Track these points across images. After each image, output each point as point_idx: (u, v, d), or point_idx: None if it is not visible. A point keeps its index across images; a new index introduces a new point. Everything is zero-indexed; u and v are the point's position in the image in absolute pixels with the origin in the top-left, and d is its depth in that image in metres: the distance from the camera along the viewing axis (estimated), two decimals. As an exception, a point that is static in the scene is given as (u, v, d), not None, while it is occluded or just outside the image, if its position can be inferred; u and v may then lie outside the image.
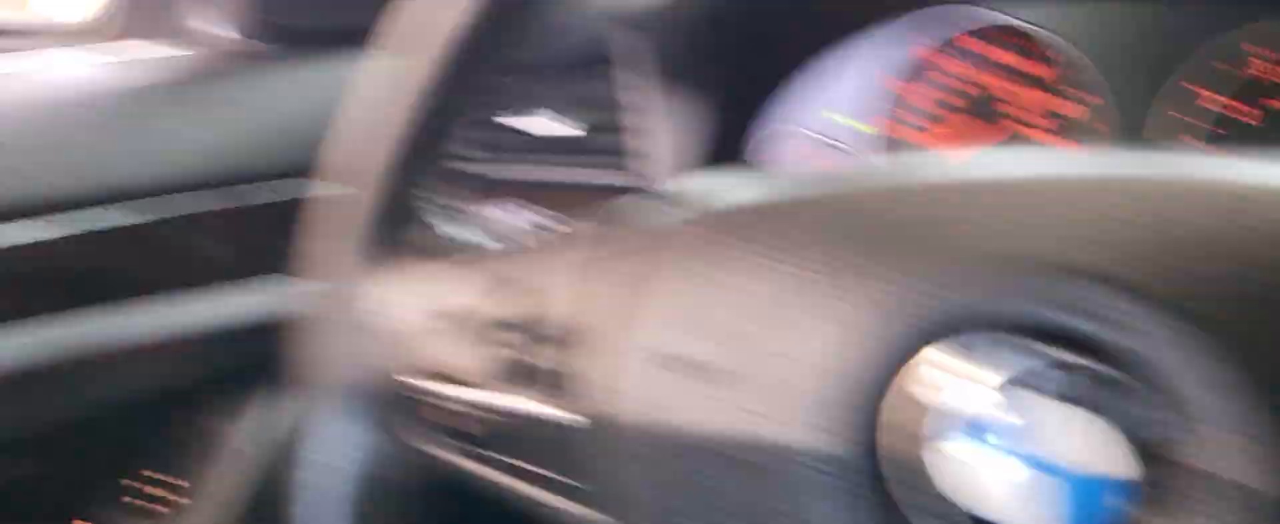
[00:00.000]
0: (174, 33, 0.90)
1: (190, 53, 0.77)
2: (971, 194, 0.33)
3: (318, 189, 0.72)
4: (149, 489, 0.74)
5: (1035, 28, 0.64)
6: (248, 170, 0.72)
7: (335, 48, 0.76)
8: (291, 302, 0.70)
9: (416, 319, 0.46)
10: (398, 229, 0.49)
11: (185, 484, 0.74)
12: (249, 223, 0.73)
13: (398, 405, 0.47)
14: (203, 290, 0.70)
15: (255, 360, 0.74)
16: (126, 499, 0.74)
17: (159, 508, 0.74)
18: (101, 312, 0.66)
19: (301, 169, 0.71)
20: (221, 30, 0.85)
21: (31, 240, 0.62)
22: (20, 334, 0.63)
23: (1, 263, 0.62)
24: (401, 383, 0.46)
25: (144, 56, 0.77)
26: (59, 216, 0.64)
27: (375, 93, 0.74)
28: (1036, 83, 0.65)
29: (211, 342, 0.73)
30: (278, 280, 0.72)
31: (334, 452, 0.49)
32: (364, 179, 0.49)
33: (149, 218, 0.68)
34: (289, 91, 0.73)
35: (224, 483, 0.73)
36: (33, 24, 0.95)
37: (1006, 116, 0.68)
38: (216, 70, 0.73)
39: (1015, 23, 0.65)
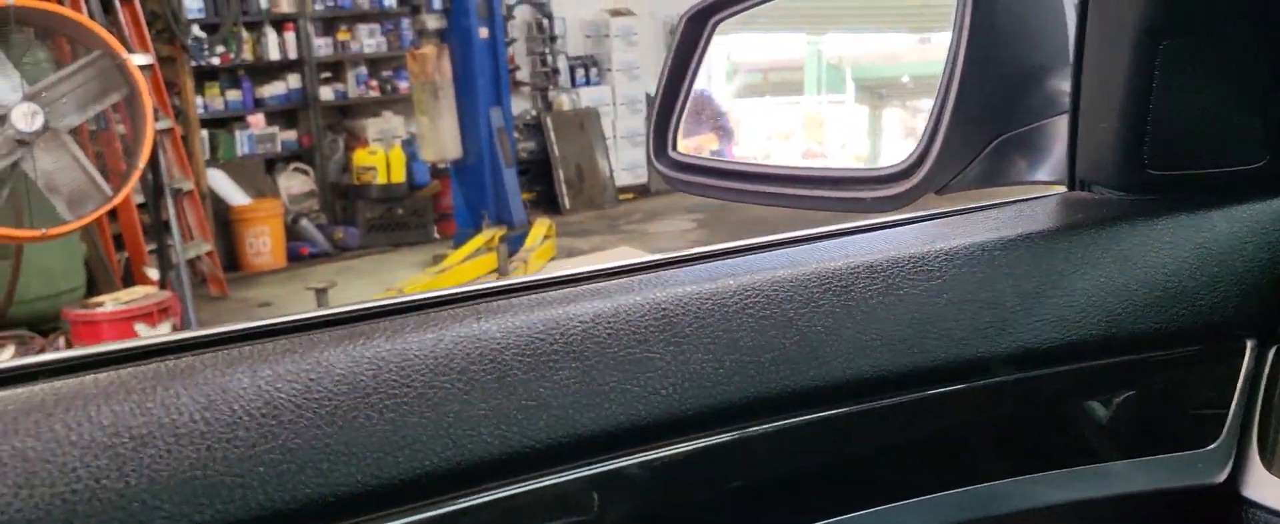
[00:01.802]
0: (981, 180, 0.91)
1: (1060, 205, 0.77)
2: None
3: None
4: None
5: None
6: (1141, 332, 0.70)
7: (1208, 195, 0.74)
8: (1186, 471, 0.71)
9: None
10: None
11: None
12: (1141, 387, 0.72)
13: None
14: (1087, 460, 0.70)
15: None
16: None
17: None
18: (993, 477, 0.67)
19: (1190, 331, 0.71)
20: (1044, 179, 0.85)
21: (923, 404, 0.64)
22: (929, 501, 0.65)
23: (904, 426, 0.64)
24: None
25: (1018, 209, 0.77)
26: (969, 380, 0.65)
27: None
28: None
29: (1095, 511, 0.71)
30: (1168, 447, 0.72)
31: None
32: None
33: (1051, 382, 0.68)
34: (1171, 246, 0.71)
35: None
36: (840, 172, 0.98)
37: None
38: (1099, 223, 0.72)
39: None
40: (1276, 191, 0.74)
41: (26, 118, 4.21)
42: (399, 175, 7.92)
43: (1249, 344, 0.73)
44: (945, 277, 0.65)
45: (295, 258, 7.47)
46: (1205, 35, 0.71)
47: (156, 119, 5.64)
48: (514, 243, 6.69)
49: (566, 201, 8.66)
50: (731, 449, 0.58)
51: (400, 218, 7.85)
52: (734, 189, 1.02)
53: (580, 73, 9.21)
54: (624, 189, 8.96)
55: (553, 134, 8.78)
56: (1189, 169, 0.75)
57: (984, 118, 0.95)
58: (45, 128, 4.26)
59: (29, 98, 4.24)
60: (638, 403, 0.55)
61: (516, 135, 8.07)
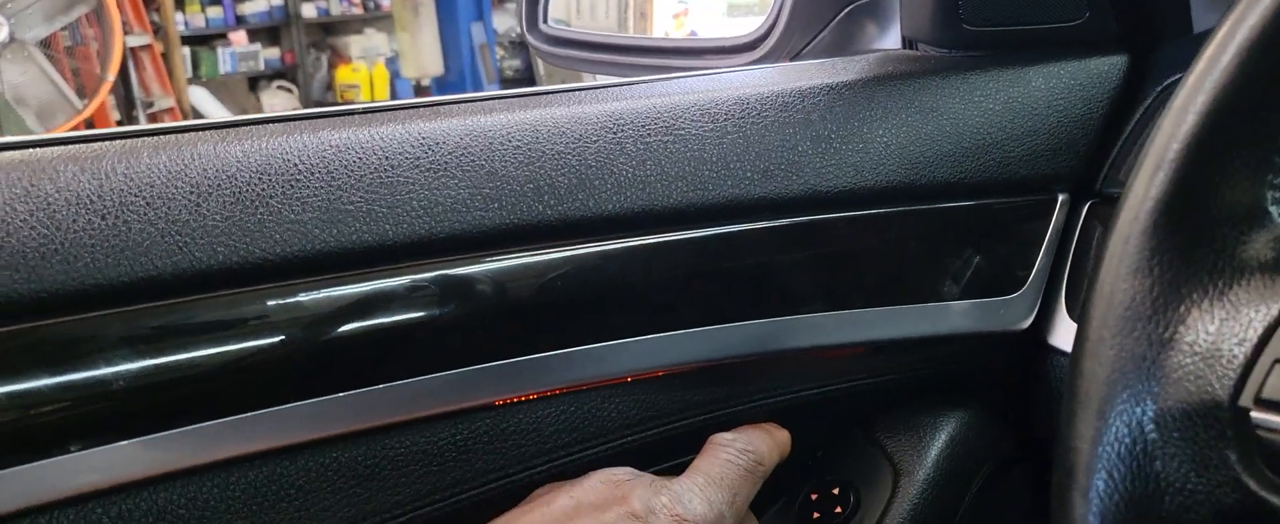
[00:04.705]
0: (833, 48, 0.92)
1: (876, 60, 0.77)
2: None
3: (1030, 200, 0.73)
4: (812, 494, 0.77)
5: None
6: (946, 181, 0.71)
7: (1027, 52, 0.75)
8: (988, 317, 0.73)
9: (1257, 339, 0.41)
10: (1215, 226, 0.45)
11: (846, 491, 0.77)
12: (947, 235, 0.72)
13: (1232, 439, 0.42)
14: (889, 302, 0.71)
15: (937, 374, 0.77)
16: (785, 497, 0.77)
17: (817, 511, 0.76)
18: (785, 313, 0.68)
19: (999, 182, 0.72)
20: (890, 40, 0.85)
21: (725, 239, 0.66)
22: (720, 330, 0.66)
23: (701, 259, 0.65)
24: (1238, 413, 0.42)
25: (831, 63, 0.77)
26: (757, 219, 0.66)
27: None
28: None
29: (895, 353, 0.74)
30: (972, 294, 0.73)
31: (1115, 481, 0.44)
32: (1158, 160, 0.45)
33: (845, 225, 0.69)
34: (982, 99, 0.72)
35: (895, 498, 0.75)
36: (696, 43, 0.98)
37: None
38: (907, 76, 0.73)
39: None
40: (1096, 49, 0.75)
41: (-8, 29, 4.19)
42: (383, 93, 7.87)
43: (1061, 197, 0.74)
44: (733, 120, 0.66)
45: (279, 176, 7.45)
46: None
47: (133, 35, 5.60)
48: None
49: (553, 121, 8.61)
50: (487, 275, 0.59)
51: (384, 137, 7.81)
52: (601, 61, 1.03)
53: (567, -9, 9.09)
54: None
55: (539, 53, 8.70)
56: (1006, 24, 0.75)
57: None
58: (11, 39, 4.24)
59: (-6, 9, 4.22)
60: (383, 223, 0.56)
61: (501, 52, 8.01)
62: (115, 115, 5.79)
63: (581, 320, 0.62)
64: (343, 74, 7.90)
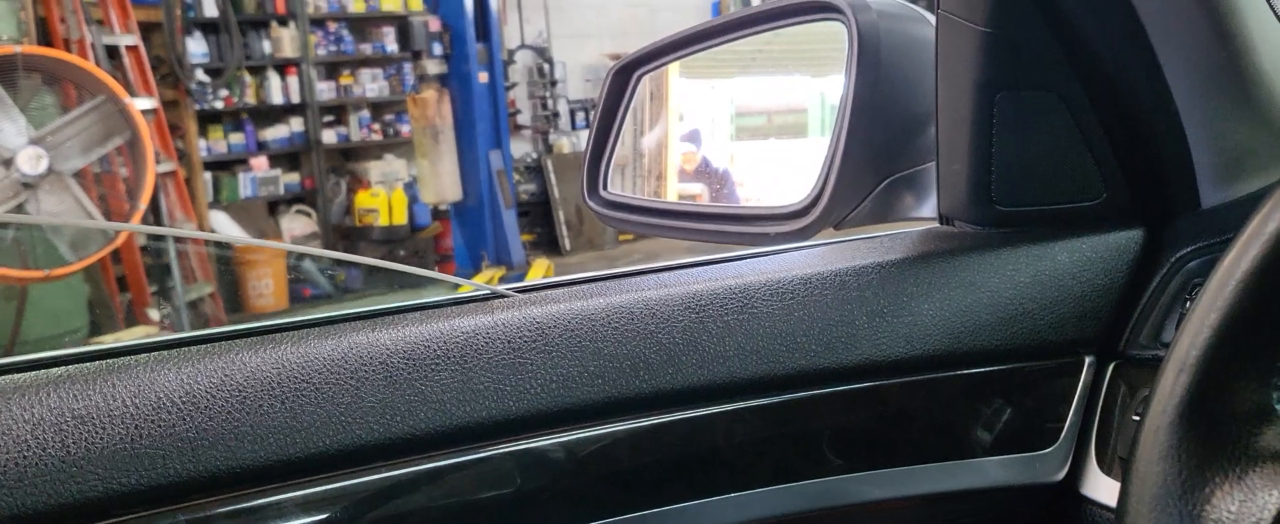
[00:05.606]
0: (874, 215, 1.00)
1: (918, 237, 0.87)
2: None
3: (1057, 368, 0.81)
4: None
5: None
6: (983, 347, 0.79)
7: (1052, 227, 0.83)
8: (1026, 471, 0.80)
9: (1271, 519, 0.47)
10: (1231, 421, 0.50)
11: None
12: (985, 396, 0.81)
13: None
14: (936, 459, 0.78)
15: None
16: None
17: None
18: (844, 471, 0.76)
19: (1031, 347, 0.80)
20: (929, 215, 0.94)
21: (792, 406, 0.74)
22: (790, 489, 0.74)
23: (772, 425, 0.73)
24: None
25: (881, 241, 0.87)
26: (819, 387, 0.75)
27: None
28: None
29: (945, 504, 0.81)
30: (1010, 449, 0.80)
31: None
32: (1181, 364, 0.51)
33: (896, 390, 0.76)
34: (1014, 272, 0.80)
35: None
36: (747, 210, 1.09)
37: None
38: (947, 253, 0.81)
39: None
40: (1114, 225, 0.84)
41: (32, 161, 4.33)
42: (401, 217, 8.04)
43: (1087, 360, 0.82)
44: (799, 298, 0.75)
45: (298, 299, 7.57)
46: (1034, 87, 0.81)
47: (159, 161, 5.77)
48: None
49: (567, 243, 8.78)
50: (596, 442, 0.67)
51: (402, 259, 7.96)
52: (657, 225, 1.12)
53: (580, 116, 9.36)
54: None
55: (553, 176, 8.90)
56: (1034, 205, 0.84)
57: (873, 161, 1.05)
58: (50, 171, 4.38)
59: (35, 142, 4.37)
60: (509, 400, 0.64)
61: (517, 177, 8.21)
62: (141, 241, 5.93)
63: (671, 481, 0.70)
64: (362, 199, 8.08)
